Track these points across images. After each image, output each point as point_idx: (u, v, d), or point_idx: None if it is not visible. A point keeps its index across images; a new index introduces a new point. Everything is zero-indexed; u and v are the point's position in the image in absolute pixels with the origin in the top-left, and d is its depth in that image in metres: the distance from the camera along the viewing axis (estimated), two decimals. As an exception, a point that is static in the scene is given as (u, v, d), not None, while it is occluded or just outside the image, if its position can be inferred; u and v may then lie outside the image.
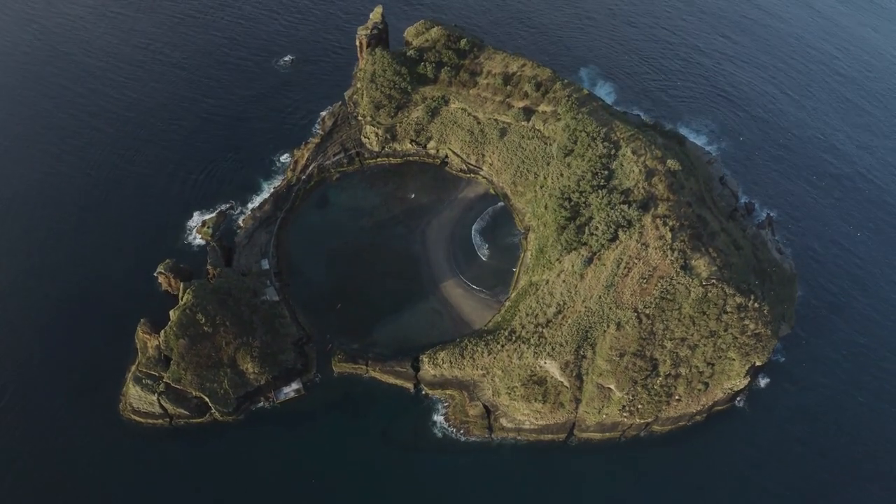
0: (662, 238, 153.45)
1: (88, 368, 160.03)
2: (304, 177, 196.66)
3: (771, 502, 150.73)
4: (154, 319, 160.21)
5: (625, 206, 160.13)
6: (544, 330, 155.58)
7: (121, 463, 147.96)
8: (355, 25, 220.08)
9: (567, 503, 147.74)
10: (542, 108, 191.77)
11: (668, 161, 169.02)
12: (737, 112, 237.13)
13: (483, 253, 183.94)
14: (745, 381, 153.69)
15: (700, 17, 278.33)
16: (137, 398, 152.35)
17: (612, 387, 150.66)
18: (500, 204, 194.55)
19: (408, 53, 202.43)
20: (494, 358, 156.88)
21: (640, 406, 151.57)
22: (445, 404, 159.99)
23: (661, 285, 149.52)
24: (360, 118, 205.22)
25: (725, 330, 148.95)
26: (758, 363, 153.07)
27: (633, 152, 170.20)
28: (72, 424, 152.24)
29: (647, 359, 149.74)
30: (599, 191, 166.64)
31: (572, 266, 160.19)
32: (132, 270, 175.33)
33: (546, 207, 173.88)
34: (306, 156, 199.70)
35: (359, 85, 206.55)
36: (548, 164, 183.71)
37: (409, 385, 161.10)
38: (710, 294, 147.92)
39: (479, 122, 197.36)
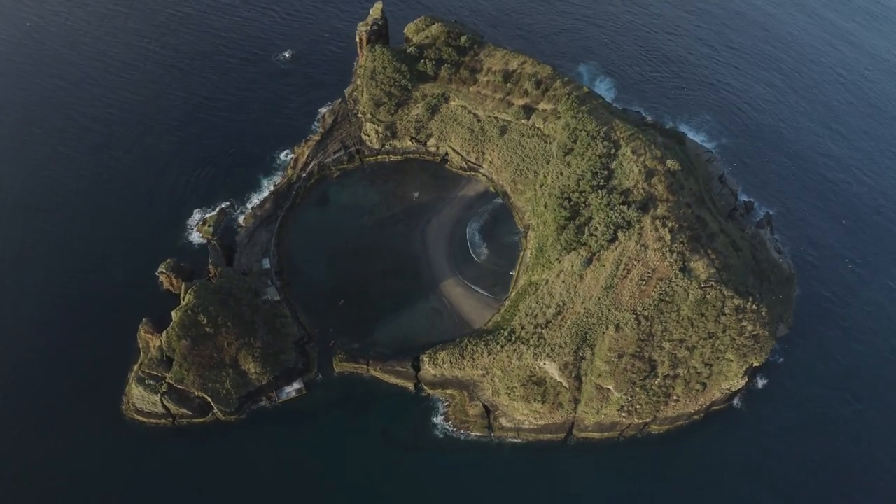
0: (662, 240, 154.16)
1: (91, 368, 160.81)
2: (304, 174, 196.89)
3: (767, 501, 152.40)
4: (156, 319, 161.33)
5: (624, 207, 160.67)
6: (543, 331, 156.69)
7: (124, 462, 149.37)
8: (355, 20, 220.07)
9: (566, 502, 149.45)
10: (542, 106, 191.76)
11: (668, 161, 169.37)
12: (738, 107, 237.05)
13: (482, 252, 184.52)
14: (743, 382, 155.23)
15: (700, 12, 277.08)
16: (140, 398, 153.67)
17: (610, 387, 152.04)
18: (499, 200, 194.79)
19: (408, 50, 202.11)
20: (494, 358, 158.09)
21: (638, 406, 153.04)
22: (445, 404, 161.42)
23: (660, 287, 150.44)
24: (360, 115, 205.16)
25: (724, 331, 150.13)
26: (755, 364, 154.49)
27: (633, 152, 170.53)
28: (74, 423, 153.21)
29: (645, 360, 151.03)
30: (599, 191, 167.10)
31: (572, 266, 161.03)
32: (133, 269, 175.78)
33: (546, 206, 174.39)
34: (306, 153, 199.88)
35: (359, 82, 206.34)
36: (547, 163, 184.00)
37: (410, 385, 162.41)
38: (708, 296, 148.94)
39: (479, 120, 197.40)
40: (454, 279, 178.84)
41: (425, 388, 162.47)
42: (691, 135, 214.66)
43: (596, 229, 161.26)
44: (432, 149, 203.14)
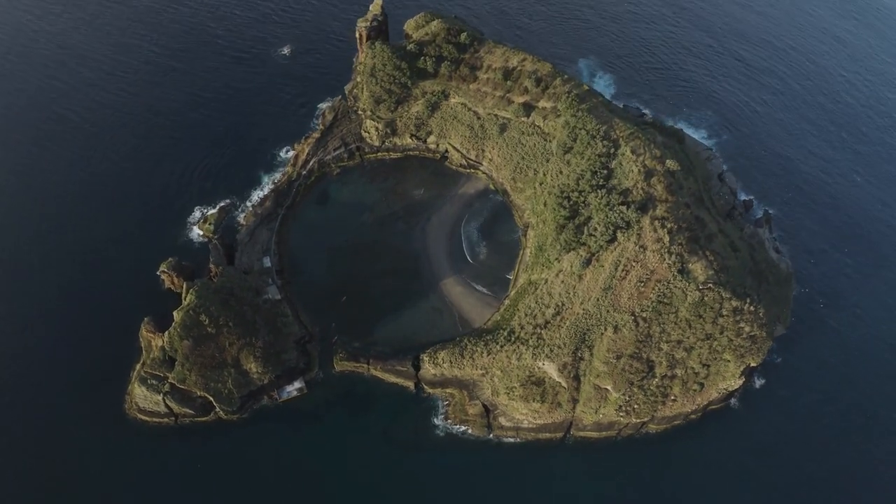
0: (660, 241, 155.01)
1: (93, 367, 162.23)
2: (304, 172, 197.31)
3: (763, 498, 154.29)
4: (157, 318, 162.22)
5: (623, 208, 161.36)
6: (543, 331, 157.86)
7: (127, 460, 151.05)
8: (354, 14, 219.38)
9: (564, 500, 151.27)
10: (542, 103, 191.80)
11: (668, 161, 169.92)
12: (738, 103, 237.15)
13: (482, 250, 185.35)
14: (740, 382, 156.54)
15: (702, 7, 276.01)
16: (143, 398, 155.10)
17: (608, 388, 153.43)
18: (499, 198, 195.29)
19: (408, 47, 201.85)
20: (494, 358, 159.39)
21: (636, 406, 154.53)
22: (446, 403, 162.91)
23: (659, 289, 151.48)
24: (360, 112, 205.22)
25: (721, 332, 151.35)
26: (753, 364, 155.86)
27: (633, 151, 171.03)
28: (77, 422, 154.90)
29: (643, 361, 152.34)
30: (598, 190, 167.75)
31: (571, 266, 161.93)
32: (134, 268, 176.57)
33: (545, 205, 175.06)
34: (307, 150, 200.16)
35: (359, 79, 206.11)
36: (547, 161, 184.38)
37: (410, 384, 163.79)
38: (706, 298, 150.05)
39: (479, 118, 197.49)
40: (454, 277, 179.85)
41: (425, 387, 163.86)
42: (691, 132, 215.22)
43: (595, 229, 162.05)
44: (432, 146, 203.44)
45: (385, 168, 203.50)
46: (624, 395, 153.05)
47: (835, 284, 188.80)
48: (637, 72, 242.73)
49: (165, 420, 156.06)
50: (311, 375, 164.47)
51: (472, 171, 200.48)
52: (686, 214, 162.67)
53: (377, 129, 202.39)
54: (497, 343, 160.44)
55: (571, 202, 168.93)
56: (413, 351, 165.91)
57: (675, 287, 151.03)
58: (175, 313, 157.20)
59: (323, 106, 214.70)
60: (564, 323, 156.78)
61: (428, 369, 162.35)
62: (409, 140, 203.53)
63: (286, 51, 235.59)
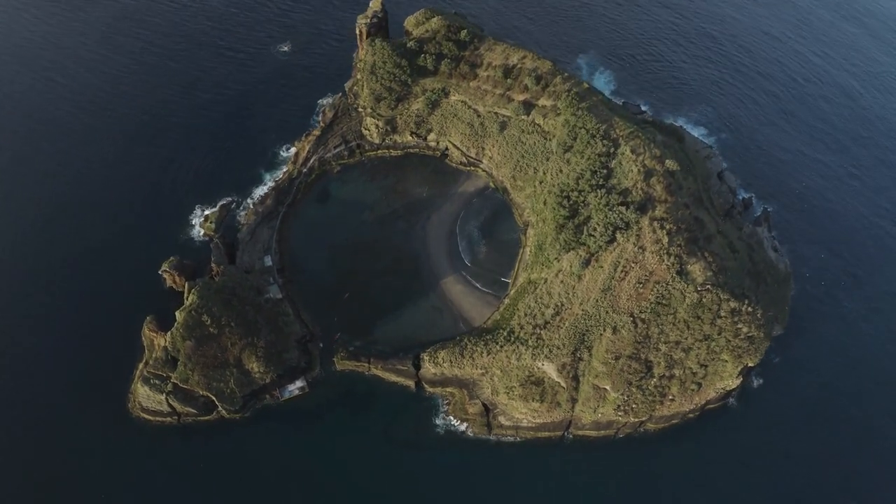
0: (659, 242, 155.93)
1: (96, 366, 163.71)
2: (304, 169, 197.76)
3: (760, 496, 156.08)
4: (160, 317, 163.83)
5: (623, 208, 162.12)
6: (542, 332, 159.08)
7: (130, 459, 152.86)
8: (354, 10, 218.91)
9: (563, 498, 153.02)
10: (541, 102, 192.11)
11: (667, 161, 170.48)
12: (739, 99, 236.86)
13: (482, 249, 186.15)
14: (738, 381, 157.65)
15: (703, 3, 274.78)
16: (146, 397, 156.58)
17: (607, 387, 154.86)
18: (498, 195, 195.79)
19: (408, 45, 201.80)
20: (493, 358, 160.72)
21: (634, 405, 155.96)
22: (446, 402, 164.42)
23: (657, 290, 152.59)
24: (360, 110, 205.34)
25: (719, 333, 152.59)
26: (750, 364, 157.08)
27: (632, 151, 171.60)
28: (81, 421, 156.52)
29: (641, 361, 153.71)
30: (598, 190, 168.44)
31: (570, 267, 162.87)
32: (136, 267, 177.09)
33: (545, 203, 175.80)
34: (307, 148, 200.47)
35: (359, 76, 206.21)
36: (547, 160, 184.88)
37: (411, 383, 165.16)
38: (704, 299, 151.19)
39: (479, 115, 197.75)
40: (454, 276, 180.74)
41: (426, 386, 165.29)
42: (690, 128, 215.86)
43: (594, 230, 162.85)
44: (432, 144, 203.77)
45: (385, 166, 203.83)
46: (622, 394, 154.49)
47: (833, 284, 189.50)
48: (638, 67, 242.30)
49: (168, 419, 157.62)
50: (312, 374, 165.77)
51: (472, 168, 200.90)
52: (685, 215, 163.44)
53: (377, 126, 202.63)
54: (497, 343, 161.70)
55: (571, 202, 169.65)
56: (413, 350, 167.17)
57: (674, 288, 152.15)
58: (177, 313, 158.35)
59: (323, 102, 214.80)
60: (564, 323, 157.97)
61: (428, 368, 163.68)
62: (410, 138, 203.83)
63: (286, 47, 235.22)
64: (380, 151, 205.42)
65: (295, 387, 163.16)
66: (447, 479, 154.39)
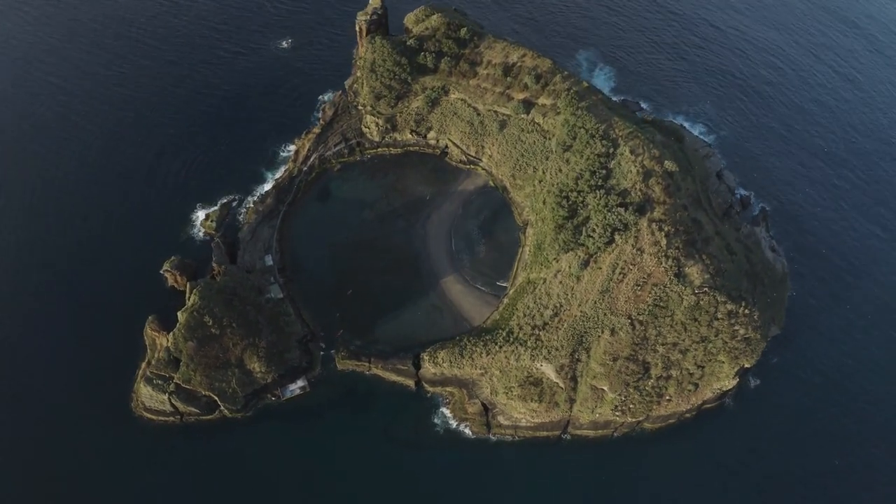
0: (657, 244, 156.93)
1: (98, 365, 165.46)
2: (305, 168, 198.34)
3: (756, 496, 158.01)
4: (161, 316, 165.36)
5: (621, 210, 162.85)
6: (541, 333, 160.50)
7: (133, 458, 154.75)
8: (354, 7, 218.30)
9: (561, 497, 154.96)
10: (541, 100, 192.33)
11: (666, 162, 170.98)
12: (739, 97, 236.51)
13: (481, 248, 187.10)
14: (734, 382, 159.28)
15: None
16: (149, 397, 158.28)
17: (605, 388, 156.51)
18: (497, 194, 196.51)
19: (408, 42, 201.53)
20: (492, 358, 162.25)
21: (631, 406, 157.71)
22: (446, 401, 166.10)
23: (655, 293, 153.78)
24: (360, 108, 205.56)
25: (716, 335, 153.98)
26: (747, 365, 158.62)
27: (632, 151, 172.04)
28: (84, 420, 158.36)
29: (639, 362, 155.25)
30: (597, 191, 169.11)
31: (569, 267, 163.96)
32: (138, 266, 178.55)
33: (545, 203, 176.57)
34: (307, 146, 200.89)
35: (359, 74, 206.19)
36: (546, 159, 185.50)
37: (411, 382, 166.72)
38: (702, 302, 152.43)
39: (478, 114, 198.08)
40: (454, 276, 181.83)
41: (426, 386, 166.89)
42: (689, 126, 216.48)
43: (593, 231, 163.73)
44: (432, 142, 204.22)
45: (385, 164, 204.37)
46: (620, 395, 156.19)
47: (830, 284, 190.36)
48: (638, 64, 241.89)
49: (171, 419, 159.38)
50: (313, 374, 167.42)
51: (472, 167, 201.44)
52: (683, 217, 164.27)
53: (377, 124, 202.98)
54: (496, 343, 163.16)
55: (570, 202, 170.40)
56: (413, 349, 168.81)
57: (672, 291, 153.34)
58: (179, 314, 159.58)
59: (323, 98, 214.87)
60: (562, 325, 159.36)
61: (428, 368, 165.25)
62: (410, 136, 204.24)
63: (285, 44, 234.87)
64: (380, 149, 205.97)
65: (296, 386, 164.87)
66: (447, 477, 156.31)
